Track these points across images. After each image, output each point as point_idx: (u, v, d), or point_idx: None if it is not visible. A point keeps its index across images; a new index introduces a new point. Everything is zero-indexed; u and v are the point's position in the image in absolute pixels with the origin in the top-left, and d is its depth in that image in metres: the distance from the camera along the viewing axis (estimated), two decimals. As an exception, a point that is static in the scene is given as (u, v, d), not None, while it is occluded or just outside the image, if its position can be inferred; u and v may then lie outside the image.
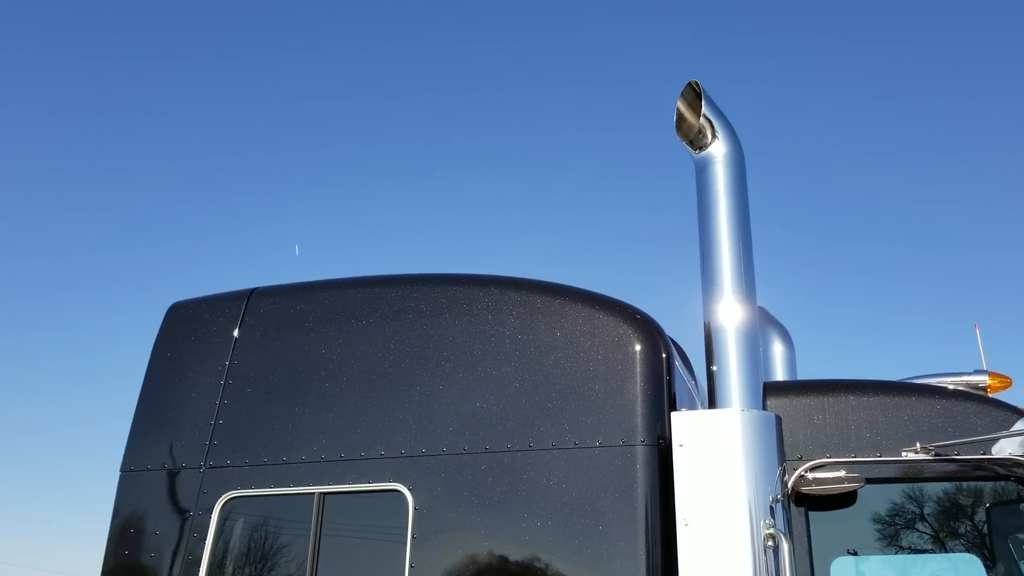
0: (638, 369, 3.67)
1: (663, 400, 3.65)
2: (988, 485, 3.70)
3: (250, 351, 4.26)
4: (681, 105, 4.13)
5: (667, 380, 3.70)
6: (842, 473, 3.65)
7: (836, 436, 3.75)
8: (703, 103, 4.04)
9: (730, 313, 3.80)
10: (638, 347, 3.71)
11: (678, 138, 4.13)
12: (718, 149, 4.05)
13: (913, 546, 3.70)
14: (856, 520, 3.71)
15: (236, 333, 4.33)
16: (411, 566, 3.59)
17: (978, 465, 3.65)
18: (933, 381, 4.57)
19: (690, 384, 4.40)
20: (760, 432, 3.52)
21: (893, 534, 3.72)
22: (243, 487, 3.96)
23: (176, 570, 3.89)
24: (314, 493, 3.84)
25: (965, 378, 4.73)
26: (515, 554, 3.53)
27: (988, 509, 3.71)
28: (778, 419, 3.66)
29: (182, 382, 4.29)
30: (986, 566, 3.64)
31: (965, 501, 3.72)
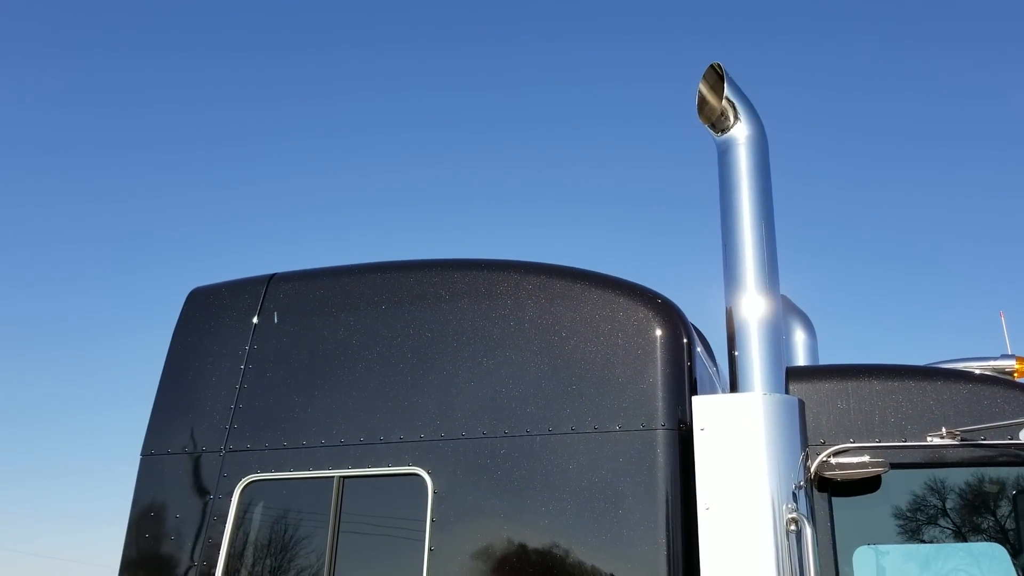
0: (659, 353, 3.65)
1: (684, 385, 3.62)
2: (1015, 471, 3.64)
3: (270, 336, 4.27)
4: (703, 87, 4.10)
5: (688, 365, 3.67)
6: (866, 458, 3.60)
7: (860, 421, 3.71)
8: (725, 85, 4.00)
9: (752, 297, 3.76)
10: (659, 332, 3.68)
11: (700, 121, 4.10)
12: (740, 131, 4.01)
13: (937, 533, 3.65)
14: (879, 506, 3.66)
15: (256, 318, 4.35)
16: (430, 549, 3.59)
17: (1005, 450, 3.60)
18: (959, 366, 4.51)
19: (711, 370, 4.37)
20: (782, 416, 3.49)
21: (917, 521, 3.67)
22: (263, 471, 3.97)
23: (196, 553, 3.91)
24: (333, 477, 3.85)
25: (992, 363, 4.67)
26: (534, 538, 3.52)
27: (1015, 497, 3.65)
28: (801, 403, 3.62)
29: (202, 367, 4.31)
30: (1012, 554, 3.58)
31: (991, 488, 3.66)
